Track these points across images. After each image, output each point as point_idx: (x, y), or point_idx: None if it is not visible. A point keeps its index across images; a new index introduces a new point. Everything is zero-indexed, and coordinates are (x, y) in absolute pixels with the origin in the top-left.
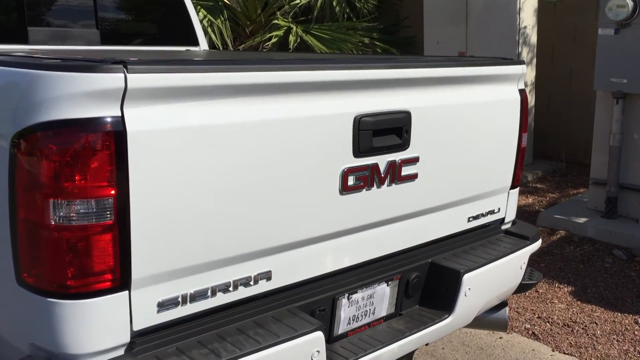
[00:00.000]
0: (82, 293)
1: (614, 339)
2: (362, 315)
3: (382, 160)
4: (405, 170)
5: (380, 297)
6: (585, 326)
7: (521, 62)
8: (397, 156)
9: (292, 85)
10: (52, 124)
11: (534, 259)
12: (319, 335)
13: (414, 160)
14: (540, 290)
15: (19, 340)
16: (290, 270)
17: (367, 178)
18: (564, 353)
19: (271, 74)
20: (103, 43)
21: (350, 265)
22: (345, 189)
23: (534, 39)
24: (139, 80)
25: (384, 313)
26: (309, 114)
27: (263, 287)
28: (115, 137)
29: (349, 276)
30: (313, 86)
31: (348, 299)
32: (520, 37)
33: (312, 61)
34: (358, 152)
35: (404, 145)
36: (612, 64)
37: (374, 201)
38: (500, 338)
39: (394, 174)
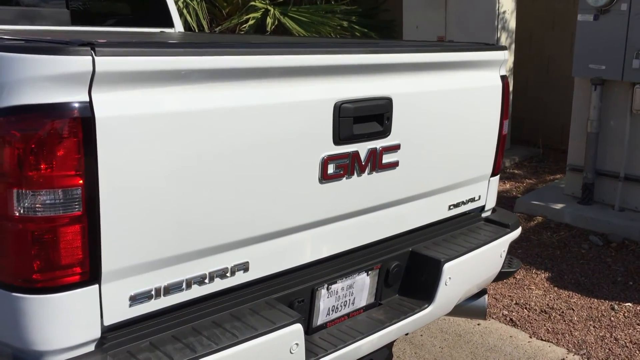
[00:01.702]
0: (49, 287)
1: (590, 325)
2: (341, 306)
3: (362, 148)
4: (386, 158)
5: (360, 287)
6: (562, 312)
7: (503, 48)
8: (378, 144)
9: (271, 70)
10: (16, 110)
11: (511, 245)
12: (297, 328)
13: (395, 148)
14: (518, 277)
15: None
16: (268, 261)
17: (347, 166)
18: (541, 339)
19: (249, 58)
20: (73, 23)
21: (330, 255)
22: (324, 177)
23: (512, 24)
24: (107, 63)
25: (363, 303)
26: (288, 100)
27: (240, 278)
28: (82, 123)
29: (328, 266)
30: (292, 71)
31: (327, 289)
32: (499, 22)
33: (291, 45)
34: (338, 140)
35: (385, 132)
36: (591, 50)
37: (354, 190)
38: (478, 325)
39: (375, 162)
